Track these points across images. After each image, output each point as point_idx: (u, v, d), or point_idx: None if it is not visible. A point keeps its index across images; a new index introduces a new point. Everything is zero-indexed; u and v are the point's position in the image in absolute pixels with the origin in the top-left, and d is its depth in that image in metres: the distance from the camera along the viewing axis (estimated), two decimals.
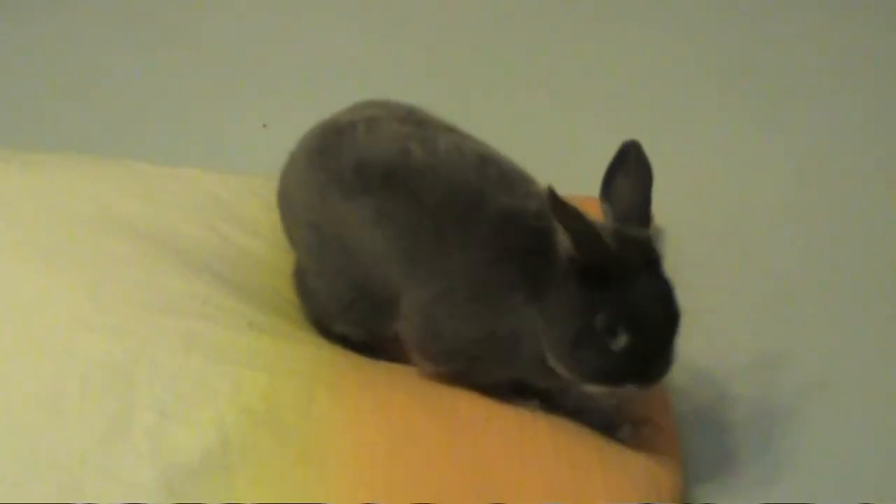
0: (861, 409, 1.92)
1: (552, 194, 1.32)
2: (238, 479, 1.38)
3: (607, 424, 1.66)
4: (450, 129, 1.64)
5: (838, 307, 2.13)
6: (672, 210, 2.20)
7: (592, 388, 1.45)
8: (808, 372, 1.98)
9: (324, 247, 1.67)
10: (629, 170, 1.45)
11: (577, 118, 2.58)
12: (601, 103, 2.64)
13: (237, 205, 2.06)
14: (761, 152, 2.50)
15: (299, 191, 1.70)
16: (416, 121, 1.63)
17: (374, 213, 1.55)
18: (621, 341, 1.38)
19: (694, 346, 1.86)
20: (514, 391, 1.57)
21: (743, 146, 2.52)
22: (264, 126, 2.57)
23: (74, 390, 1.42)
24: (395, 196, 1.53)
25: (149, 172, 2.11)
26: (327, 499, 1.40)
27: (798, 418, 1.89)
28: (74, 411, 1.40)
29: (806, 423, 1.89)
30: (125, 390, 1.44)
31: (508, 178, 1.56)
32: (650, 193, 1.45)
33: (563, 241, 1.38)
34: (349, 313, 1.67)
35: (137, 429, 1.39)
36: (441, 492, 1.44)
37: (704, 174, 2.44)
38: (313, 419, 1.46)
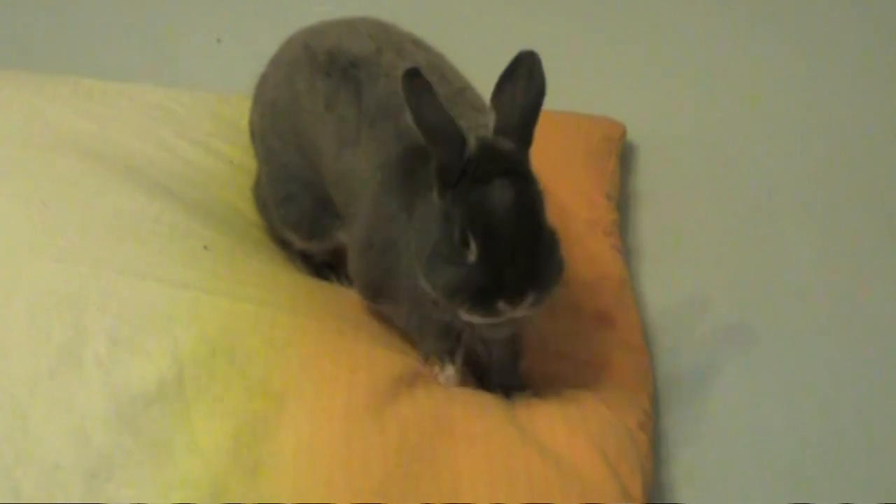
0: (839, 322, 1.93)
1: (410, 73, 1.32)
2: (193, 411, 1.34)
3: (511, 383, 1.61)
4: (438, 56, 1.66)
5: (818, 224, 2.12)
6: (645, 125, 2.23)
7: (468, 316, 1.39)
8: (787, 291, 1.99)
9: (274, 129, 1.69)
10: (518, 81, 1.37)
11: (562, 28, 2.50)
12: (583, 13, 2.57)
13: (190, 121, 2.01)
14: (744, 64, 2.47)
15: (273, 68, 1.74)
16: (412, 39, 1.67)
17: (325, 99, 1.58)
18: (473, 252, 1.33)
19: (665, 256, 2.02)
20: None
21: (723, 59, 2.49)
22: (218, 41, 2.51)
23: (21, 319, 1.38)
24: (347, 86, 1.56)
25: (98, 89, 2.04)
26: (284, 432, 1.38)
27: (775, 337, 1.90)
28: (22, 341, 1.36)
29: (782, 342, 1.89)
30: (75, 318, 1.38)
31: (450, 100, 1.48)
32: (536, 109, 1.38)
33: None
34: (288, 210, 1.70)
35: (88, 358, 1.35)
36: (402, 434, 1.42)
37: (681, 87, 2.41)
38: (274, 348, 1.44)
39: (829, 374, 1.82)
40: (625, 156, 2.19)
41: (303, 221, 1.69)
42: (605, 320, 1.77)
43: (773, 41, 2.45)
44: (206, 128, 2.00)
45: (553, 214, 1.42)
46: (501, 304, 1.33)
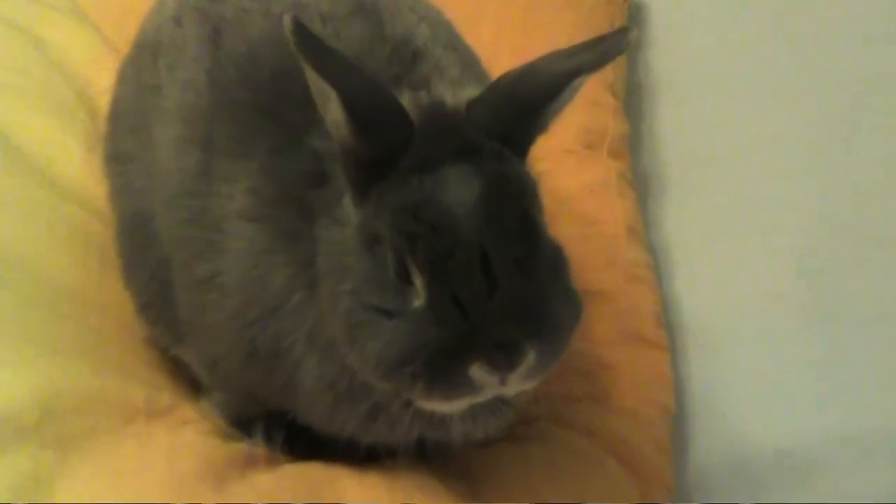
0: None
1: (297, 25, 1.04)
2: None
3: None
4: None
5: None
6: None
7: (428, 403, 1.11)
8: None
9: (115, 145, 1.46)
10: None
11: None
12: None
13: None
14: None
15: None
16: None
17: (168, 57, 1.35)
18: (419, 291, 1.07)
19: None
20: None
21: None
22: None
23: None
24: (201, 30, 1.32)
25: None
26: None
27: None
28: None
29: None
30: None
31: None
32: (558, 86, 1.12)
33: (333, 117, 1.08)
34: (132, 272, 1.44)
35: None
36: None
37: None
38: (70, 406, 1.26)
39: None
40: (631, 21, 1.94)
41: (148, 292, 1.43)
42: (605, 299, 1.52)
43: None
44: None
45: None
46: (478, 371, 1.04)
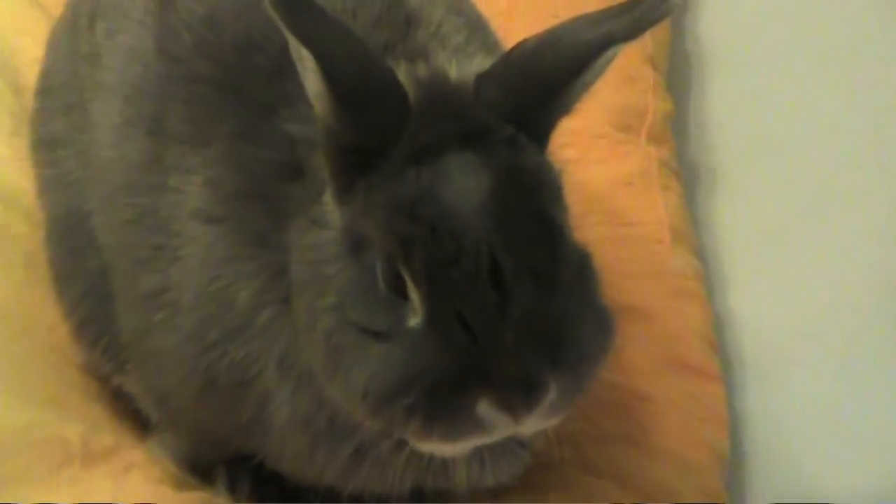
0: None
1: None
2: None
3: None
4: None
5: None
6: None
7: (425, 444, 1.02)
8: None
9: (45, 127, 1.42)
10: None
11: None
12: None
13: None
14: None
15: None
16: None
17: (108, 23, 1.28)
18: (416, 307, 0.99)
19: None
20: None
21: None
22: None
23: None
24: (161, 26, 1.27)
25: None
26: None
27: None
28: None
29: None
30: None
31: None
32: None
33: (312, 90, 1.01)
34: (65, 286, 1.36)
35: None
36: None
37: None
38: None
39: None
40: None
41: (84, 308, 1.36)
42: (644, 318, 1.42)
43: None
44: None
45: None
46: (487, 408, 0.96)
